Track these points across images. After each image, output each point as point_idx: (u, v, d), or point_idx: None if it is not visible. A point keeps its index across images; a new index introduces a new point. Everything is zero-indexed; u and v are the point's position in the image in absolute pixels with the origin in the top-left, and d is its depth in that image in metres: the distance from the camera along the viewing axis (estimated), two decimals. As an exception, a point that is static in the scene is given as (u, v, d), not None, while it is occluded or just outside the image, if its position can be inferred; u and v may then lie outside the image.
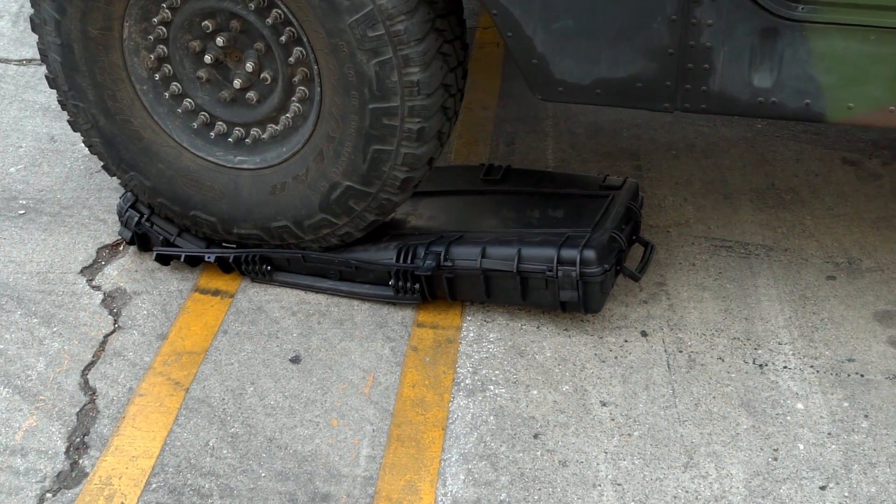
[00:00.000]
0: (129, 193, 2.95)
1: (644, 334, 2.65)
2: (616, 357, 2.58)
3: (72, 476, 2.28)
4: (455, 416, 2.42)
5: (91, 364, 2.59)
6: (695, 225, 3.06)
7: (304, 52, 2.46)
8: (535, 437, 2.35)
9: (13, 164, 3.49)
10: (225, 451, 2.33)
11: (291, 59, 2.49)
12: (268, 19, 2.43)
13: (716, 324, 2.67)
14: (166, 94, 2.66)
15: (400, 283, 2.69)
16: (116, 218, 3.03)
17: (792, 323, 2.67)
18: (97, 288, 2.87)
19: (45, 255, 3.01)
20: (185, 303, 2.80)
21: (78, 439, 2.37)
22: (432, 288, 2.70)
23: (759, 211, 3.12)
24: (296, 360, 2.60)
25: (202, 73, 2.61)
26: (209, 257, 2.84)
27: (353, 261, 2.73)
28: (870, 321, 2.67)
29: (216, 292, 2.84)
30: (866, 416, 2.39)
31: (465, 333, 2.67)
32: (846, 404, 2.42)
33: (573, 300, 2.57)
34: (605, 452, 2.31)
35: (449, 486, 2.23)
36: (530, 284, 2.60)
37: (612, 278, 2.63)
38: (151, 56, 2.60)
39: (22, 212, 3.22)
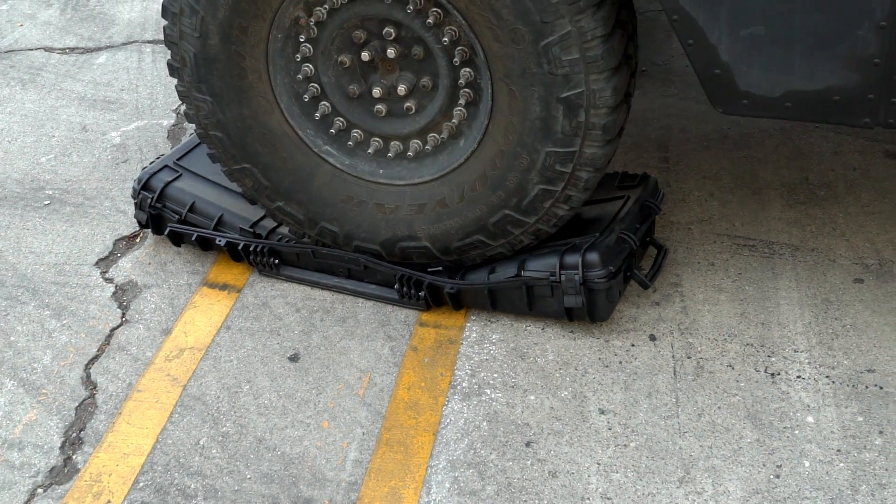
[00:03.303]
0: (143, 173, 2.93)
1: (652, 338, 2.54)
2: (621, 362, 2.48)
3: (64, 472, 2.30)
4: (447, 420, 2.36)
5: (95, 358, 2.61)
6: (718, 222, 2.92)
7: (476, 112, 2.34)
8: (527, 445, 2.28)
9: (45, 153, 3.55)
10: (214, 451, 2.32)
11: (456, 110, 2.36)
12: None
13: (729, 328, 2.54)
14: (297, 55, 2.45)
15: (405, 290, 2.64)
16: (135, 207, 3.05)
17: (811, 329, 2.53)
18: (110, 280, 2.90)
19: (63, 246, 3.05)
20: (192, 297, 2.80)
21: (74, 434, 2.39)
22: (437, 296, 2.65)
23: (789, 207, 2.96)
24: (294, 358, 2.57)
25: (346, 59, 2.41)
26: (220, 241, 2.83)
27: (363, 259, 2.69)
28: (897, 328, 2.52)
29: (224, 286, 2.83)
30: (881, 432, 2.25)
31: (467, 334, 2.60)
32: (860, 419, 2.28)
33: (578, 306, 2.47)
34: (598, 464, 2.22)
35: (433, 495, 2.18)
36: (536, 293, 2.52)
37: (621, 285, 2.52)
38: (310, 18, 2.38)
39: (47, 202, 3.27)
